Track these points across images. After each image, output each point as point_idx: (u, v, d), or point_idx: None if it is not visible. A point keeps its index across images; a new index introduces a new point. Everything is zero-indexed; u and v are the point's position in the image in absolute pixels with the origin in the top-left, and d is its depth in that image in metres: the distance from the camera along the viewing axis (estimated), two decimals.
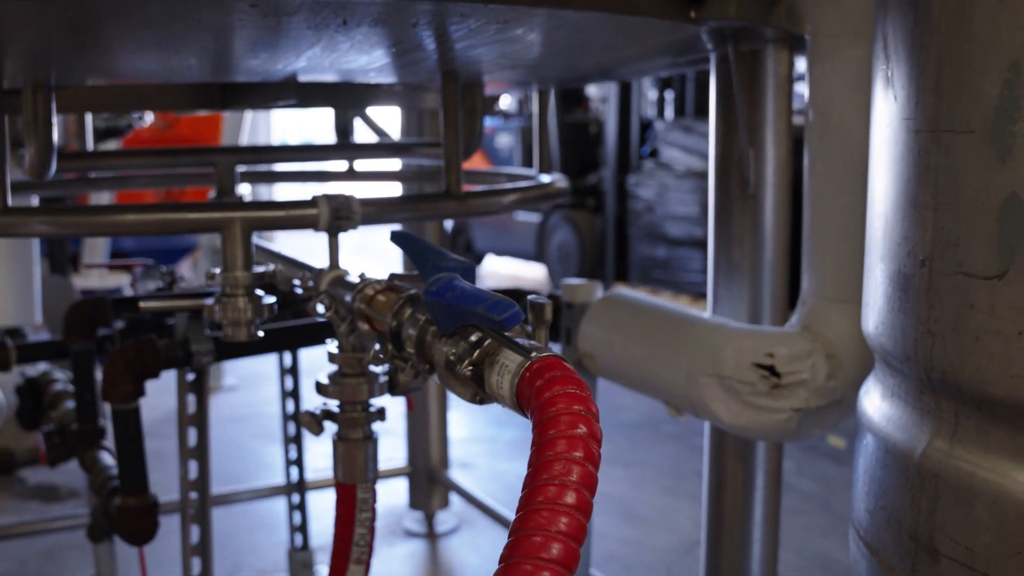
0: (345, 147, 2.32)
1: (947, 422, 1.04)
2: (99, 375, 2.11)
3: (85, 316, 2.22)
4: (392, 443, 4.18)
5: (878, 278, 1.15)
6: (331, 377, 1.53)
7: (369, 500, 1.58)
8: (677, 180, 7.42)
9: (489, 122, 9.56)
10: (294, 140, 16.67)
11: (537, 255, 9.32)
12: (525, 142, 9.44)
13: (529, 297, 1.10)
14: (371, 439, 1.56)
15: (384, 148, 2.34)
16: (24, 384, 2.76)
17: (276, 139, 15.75)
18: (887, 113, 1.12)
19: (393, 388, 1.43)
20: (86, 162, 2.11)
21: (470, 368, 1.06)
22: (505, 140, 9.70)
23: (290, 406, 2.95)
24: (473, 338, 1.07)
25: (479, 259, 10.42)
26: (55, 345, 2.32)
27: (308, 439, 3.13)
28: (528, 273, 10.45)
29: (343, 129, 2.51)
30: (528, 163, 9.20)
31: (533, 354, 0.97)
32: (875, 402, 1.19)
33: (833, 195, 1.55)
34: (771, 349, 1.53)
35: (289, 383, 2.93)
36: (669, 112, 8.24)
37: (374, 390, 1.52)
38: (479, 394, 1.09)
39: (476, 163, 9.77)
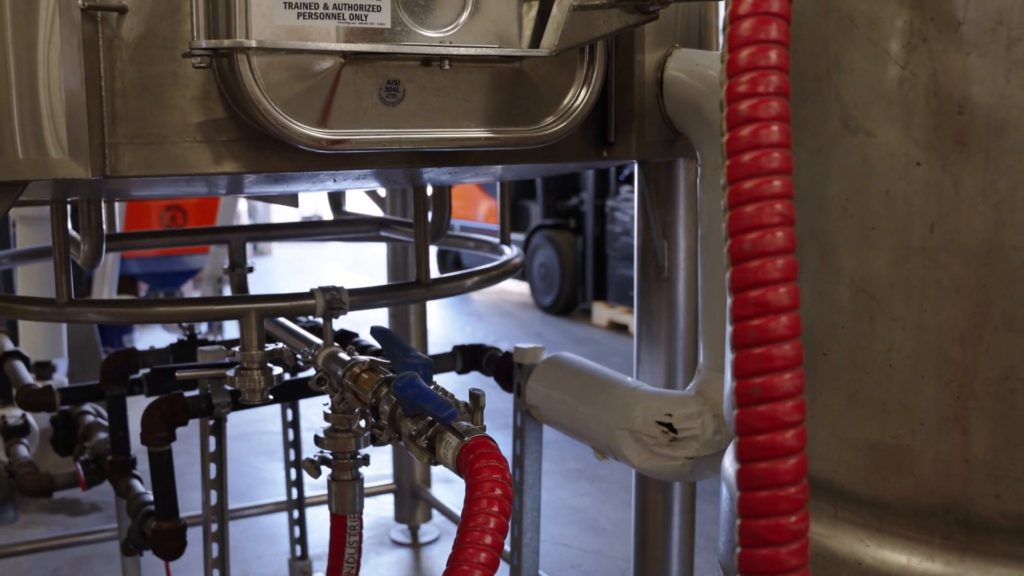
0: (338, 223, 2.75)
1: None
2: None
3: (119, 366, 2.64)
4: (380, 460, 4.60)
5: (729, 365, 1.58)
6: (326, 432, 1.95)
7: (356, 527, 2.02)
8: None
9: None
10: None
11: (521, 273, 9.74)
12: None
13: (470, 389, 1.53)
14: (358, 479, 1.99)
15: (369, 223, 2.76)
16: (58, 416, 3.17)
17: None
18: None
19: (375, 441, 1.86)
20: (124, 242, 2.53)
21: (426, 441, 1.50)
22: None
23: (291, 435, 3.39)
24: (429, 419, 1.50)
25: None
26: (93, 389, 2.73)
27: None
28: (514, 288, 10.88)
29: (336, 200, 2.94)
30: (517, 194, 9.59)
31: (466, 437, 1.40)
32: (728, 461, 1.62)
33: (718, 286, 1.97)
34: (670, 410, 1.96)
35: (290, 415, 3.36)
36: None
37: (360, 442, 1.95)
38: (432, 459, 1.52)
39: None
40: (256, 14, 1.37)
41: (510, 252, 2.58)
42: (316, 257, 14.38)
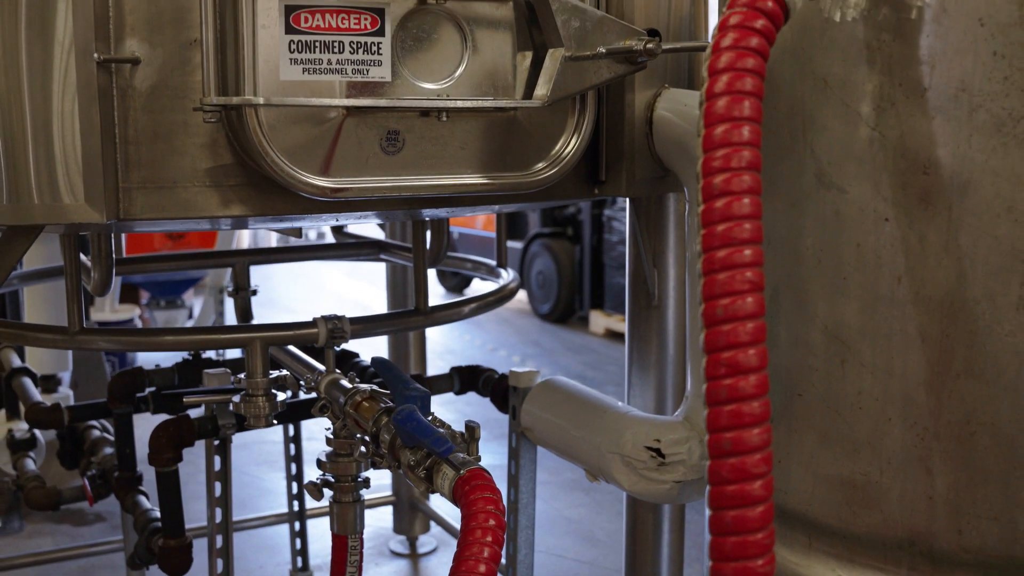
0: (339, 246, 2.82)
1: None
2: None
3: (125, 385, 2.71)
4: (380, 472, 4.68)
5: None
6: (328, 456, 2.03)
7: (357, 547, 2.09)
8: None
9: None
10: None
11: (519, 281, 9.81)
12: None
13: (466, 421, 1.61)
14: (359, 501, 2.07)
15: (370, 246, 2.84)
16: (65, 430, 3.24)
17: None
18: None
19: (375, 466, 1.94)
20: (133, 266, 2.61)
21: (424, 471, 1.58)
22: None
23: (292, 449, 3.47)
24: (426, 451, 1.58)
25: (467, 282, 10.89)
26: (100, 407, 2.81)
27: (308, 474, 3.64)
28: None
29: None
30: None
31: (462, 470, 1.48)
32: None
33: None
34: (658, 435, 2.03)
35: (291, 430, 3.44)
36: None
37: (361, 466, 2.03)
38: (430, 488, 1.60)
39: None
40: (263, 70, 1.45)
41: (507, 276, 2.66)
42: (316, 262, 14.44)
